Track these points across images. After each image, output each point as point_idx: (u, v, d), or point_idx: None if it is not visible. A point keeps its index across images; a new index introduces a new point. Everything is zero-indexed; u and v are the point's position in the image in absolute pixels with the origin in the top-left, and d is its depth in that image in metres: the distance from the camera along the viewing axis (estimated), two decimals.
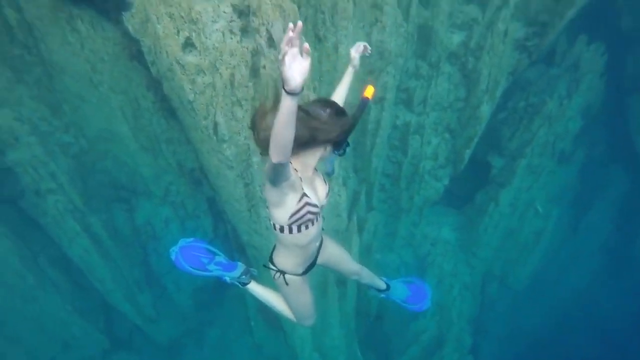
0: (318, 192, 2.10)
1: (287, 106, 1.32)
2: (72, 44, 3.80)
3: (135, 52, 3.86)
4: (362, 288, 3.12)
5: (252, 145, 3.45)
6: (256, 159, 3.54)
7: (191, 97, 3.14)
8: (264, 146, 1.74)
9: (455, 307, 6.41)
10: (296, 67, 1.24)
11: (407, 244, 6.40)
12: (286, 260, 2.30)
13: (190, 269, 2.85)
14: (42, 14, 3.58)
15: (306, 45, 1.25)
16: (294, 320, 2.73)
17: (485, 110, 5.10)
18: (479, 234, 6.42)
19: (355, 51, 2.27)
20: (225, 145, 3.43)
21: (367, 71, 4.25)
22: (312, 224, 2.08)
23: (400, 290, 3.17)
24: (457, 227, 6.62)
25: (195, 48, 2.96)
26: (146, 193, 5.08)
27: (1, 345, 4.93)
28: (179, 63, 2.99)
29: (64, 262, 5.01)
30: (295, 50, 1.22)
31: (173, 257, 2.87)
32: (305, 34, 3.15)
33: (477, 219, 6.35)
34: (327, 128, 1.79)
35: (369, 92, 1.90)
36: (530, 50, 5.00)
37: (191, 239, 2.97)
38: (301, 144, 1.73)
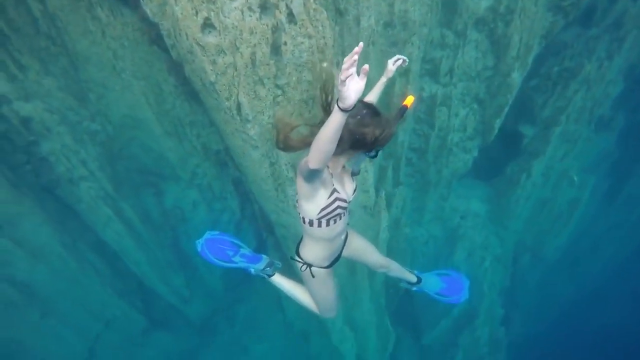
0: (346, 187, 2.13)
1: (338, 122, 1.39)
2: (93, 32, 3.81)
3: (154, 36, 3.84)
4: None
5: None
6: None
7: (213, 78, 3.10)
8: (286, 148, 1.85)
9: (486, 279, 6.34)
10: (353, 87, 1.31)
11: (436, 217, 6.30)
12: (312, 253, 2.34)
13: (216, 260, 2.99)
14: (62, 3, 3.59)
15: (366, 66, 1.29)
16: (317, 312, 2.79)
17: (516, 77, 4.85)
18: (510, 206, 6.25)
19: (393, 63, 2.28)
20: (249, 125, 3.40)
21: (391, 43, 4.09)
22: (340, 218, 2.13)
23: (433, 283, 3.17)
24: (487, 199, 6.46)
25: (215, 28, 2.89)
26: (173, 177, 5.16)
27: (54, 324, 5.22)
28: (198, 44, 2.94)
29: (101, 246, 5.20)
30: (354, 70, 1.28)
31: (199, 248, 3.02)
32: (325, 7, 3.03)
33: (508, 190, 6.16)
34: (368, 132, 1.77)
35: (409, 101, 1.89)
36: (567, 10, 4.67)
37: (217, 232, 3.12)
38: (341, 146, 1.71)
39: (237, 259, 3.01)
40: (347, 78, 1.27)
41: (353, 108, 1.36)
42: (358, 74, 1.32)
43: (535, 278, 7.73)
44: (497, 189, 6.38)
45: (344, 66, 1.25)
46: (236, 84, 3.11)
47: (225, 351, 7.06)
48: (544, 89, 5.48)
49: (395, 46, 4.12)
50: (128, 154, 4.79)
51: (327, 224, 2.11)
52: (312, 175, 1.77)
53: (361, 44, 1.28)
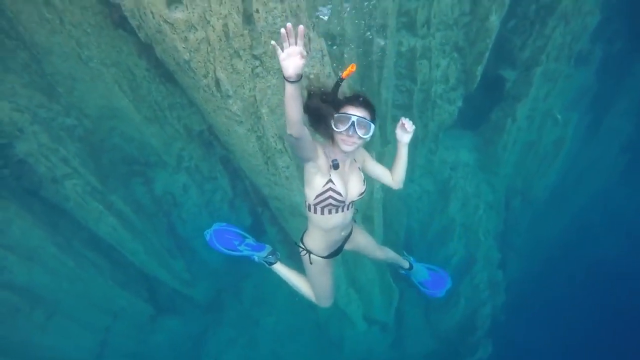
0: (350, 186, 2.30)
1: (287, 90, 1.69)
2: (50, 20, 3.58)
3: (118, 19, 3.63)
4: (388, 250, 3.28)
5: (259, 95, 3.31)
6: (265, 110, 3.42)
7: (186, 56, 2.97)
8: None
9: (481, 226, 6.48)
10: (292, 63, 1.61)
11: (426, 172, 6.34)
12: (312, 241, 2.55)
13: (223, 249, 3.28)
14: None
15: (304, 51, 1.61)
16: (314, 300, 3.02)
17: (494, 20, 4.77)
18: (498, 152, 6.31)
19: (401, 130, 2.36)
20: (230, 101, 3.31)
21: None
22: (336, 211, 2.31)
23: (421, 273, 3.52)
24: (475, 148, 6.50)
25: (181, 2, 2.74)
26: (159, 163, 5.05)
27: (61, 321, 5.22)
28: (166, 22, 2.79)
29: (96, 242, 5.14)
30: (292, 49, 1.60)
31: (207, 238, 3.33)
32: None
33: (495, 137, 6.20)
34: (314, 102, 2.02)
35: (347, 71, 1.97)
36: None
37: (224, 224, 3.42)
38: (317, 127, 2.09)
39: (242, 247, 3.26)
40: (288, 56, 1.60)
41: (300, 79, 1.65)
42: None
43: (526, 219, 7.93)
44: (484, 136, 6.41)
45: (288, 49, 1.59)
46: (212, 59, 2.99)
47: (236, 326, 7.20)
48: (522, 29, 5.41)
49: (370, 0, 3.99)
50: (110, 146, 4.65)
51: (322, 212, 2.29)
52: (294, 148, 2.02)
53: (301, 27, 1.55)
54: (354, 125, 2.03)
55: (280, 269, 3.12)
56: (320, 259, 2.62)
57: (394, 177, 2.49)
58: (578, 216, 9.35)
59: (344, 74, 1.96)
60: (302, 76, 1.66)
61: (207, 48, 2.93)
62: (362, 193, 2.38)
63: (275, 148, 3.75)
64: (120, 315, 5.86)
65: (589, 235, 9.86)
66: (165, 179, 5.26)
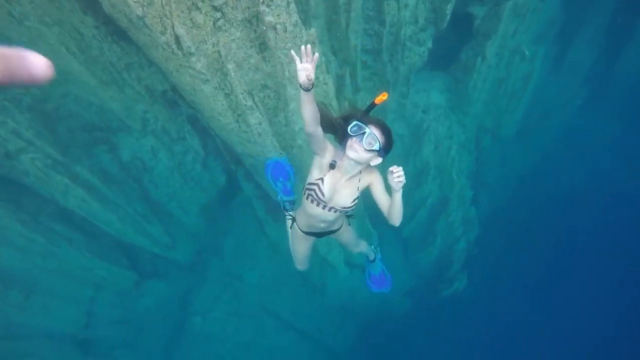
0: (337, 194, 2.57)
1: (300, 96, 2.16)
2: None
3: None
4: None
5: (223, 51, 3.09)
6: (231, 65, 3.22)
7: (139, 11, 2.69)
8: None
9: (454, 167, 6.61)
10: (302, 74, 2.04)
11: (399, 116, 6.31)
12: (298, 214, 3.00)
13: (269, 176, 3.88)
14: None
15: (316, 55, 2.05)
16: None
17: None
18: (468, 91, 6.31)
19: (391, 180, 2.39)
20: (193, 59, 3.08)
21: None
22: (317, 205, 2.62)
23: (375, 269, 4.07)
24: (446, 89, 6.47)
25: None
26: (123, 128, 4.77)
27: (41, 298, 5.13)
28: None
29: (66, 215, 4.94)
30: (305, 66, 2.03)
31: (267, 162, 3.96)
32: None
33: (465, 76, 6.16)
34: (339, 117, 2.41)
35: (380, 98, 2.24)
36: None
37: (285, 159, 4.03)
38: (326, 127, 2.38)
39: (279, 184, 3.77)
40: (302, 69, 2.03)
41: (311, 87, 2.09)
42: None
43: (496, 156, 8.15)
44: (454, 77, 6.36)
45: (301, 65, 2.04)
46: (168, 13, 2.73)
47: (220, 283, 7.32)
48: None
49: None
50: (66, 113, 4.31)
51: (307, 198, 2.63)
52: (308, 139, 2.40)
53: (317, 55, 2.04)
54: (363, 135, 2.29)
55: (289, 222, 3.33)
56: (299, 231, 3.01)
57: (390, 218, 2.62)
58: (544, 149, 9.70)
59: (377, 100, 2.23)
60: (312, 86, 2.09)
61: (162, 1, 2.66)
62: (346, 207, 2.62)
63: (245, 105, 3.59)
64: (103, 285, 5.80)
65: (553, 166, 10.31)
66: (132, 144, 4.98)
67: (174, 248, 6.41)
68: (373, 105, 2.28)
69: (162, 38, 2.88)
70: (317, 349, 8.34)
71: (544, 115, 8.95)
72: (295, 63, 2.04)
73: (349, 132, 2.30)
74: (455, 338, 11.13)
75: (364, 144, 2.29)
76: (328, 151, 2.46)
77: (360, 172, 2.52)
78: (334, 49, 4.85)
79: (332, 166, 2.42)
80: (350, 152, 2.33)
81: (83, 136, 4.51)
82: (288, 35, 3.16)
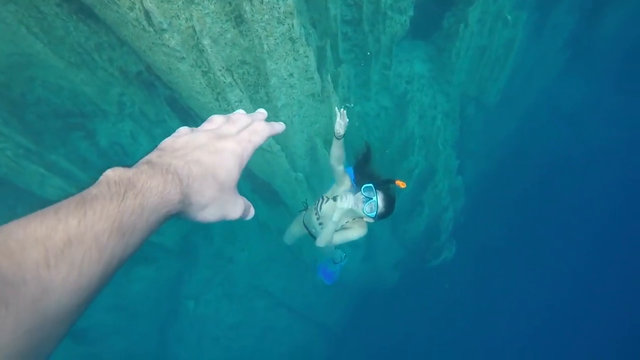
0: (323, 213, 3.27)
1: (334, 142, 2.88)
2: None
3: None
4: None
5: (197, 26, 2.94)
6: (206, 41, 3.07)
7: None
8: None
9: (440, 137, 6.58)
10: (338, 128, 2.80)
11: (382, 88, 6.21)
12: (309, 209, 3.67)
13: (327, 277, 4.89)
14: None
15: (341, 130, 2.84)
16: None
17: None
18: (452, 60, 6.21)
19: (339, 125, 2.84)
20: (166, 35, 2.92)
21: None
22: (314, 215, 3.37)
23: (332, 268, 4.80)
24: (429, 59, 6.37)
25: None
26: (99, 113, 4.58)
27: None
28: None
29: (45, 205, 4.77)
30: (344, 122, 2.79)
31: (321, 276, 4.99)
32: None
33: (448, 44, 6.06)
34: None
35: (400, 184, 2.80)
36: None
37: (321, 270, 4.97)
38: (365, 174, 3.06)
39: (329, 268, 4.89)
40: (341, 125, 2.78)
41: (341, 138, 2.84)
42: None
43: (480, 123, 8.16)
44: (436, 45, 6.25)
45: (340, 120, 2.79)
46: None
47: (211, 266, 7.27)
48: None
49: None
50: (34, 99, 4.10)
51: (316, 202, 3.44)
52: (332, 171, 3.12)
53: (346, 120, 2.83)
54: (367, 199, 2.73)
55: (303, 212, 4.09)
56: (301, 220, 3.89)
57: (319, 237, 3.15)
58: (527, 114, 9.75)
59: (397, 182, 2.76)
60: (343, 136, 2.82)
61: None
62: (319, 220, 3.33)
63: (224, 82, 3.46)
64: None
65: (536, 131, 10.40)
66: (109, 129, 4.80)
67: (162, 233, 6.31)
68: (392, 182, 2.77)
69: (131, 14, 2.71)
70: (309, 326, 8.46)
71: (527, 81, 8.95)
72: (335, 117, 2.76)
73: (361, 190, 2.75)
74: (444, 307, 11.44)
75: (365, 207, 2.70)
76: (344, 184, 3.11)
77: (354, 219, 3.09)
78: (313, 19, 4.69)
79: (335, 199, 3.05)
80: (355, 195, 2.81)
81: (56, 123, 4.31)
82: (264, 7, 3.02)
